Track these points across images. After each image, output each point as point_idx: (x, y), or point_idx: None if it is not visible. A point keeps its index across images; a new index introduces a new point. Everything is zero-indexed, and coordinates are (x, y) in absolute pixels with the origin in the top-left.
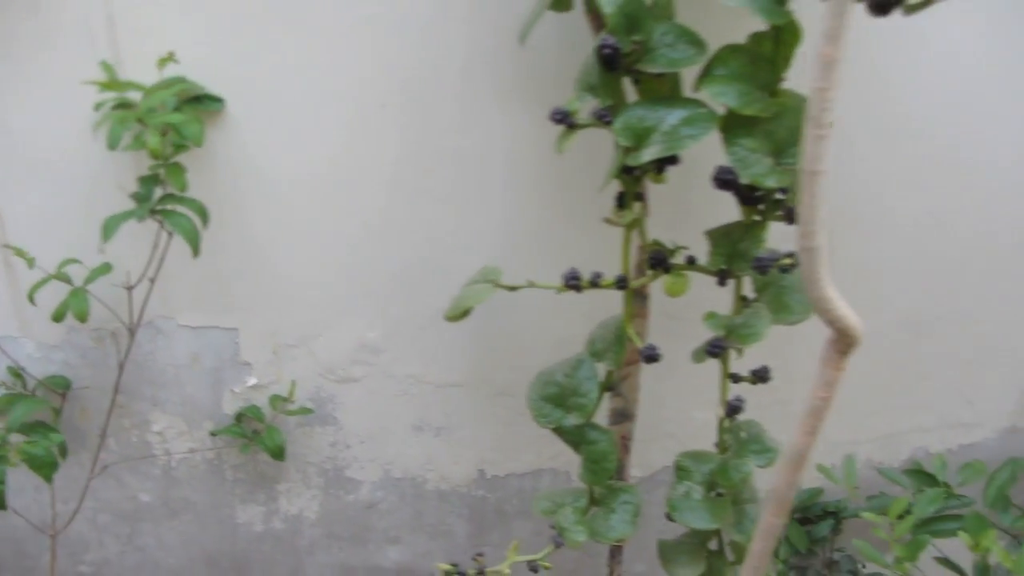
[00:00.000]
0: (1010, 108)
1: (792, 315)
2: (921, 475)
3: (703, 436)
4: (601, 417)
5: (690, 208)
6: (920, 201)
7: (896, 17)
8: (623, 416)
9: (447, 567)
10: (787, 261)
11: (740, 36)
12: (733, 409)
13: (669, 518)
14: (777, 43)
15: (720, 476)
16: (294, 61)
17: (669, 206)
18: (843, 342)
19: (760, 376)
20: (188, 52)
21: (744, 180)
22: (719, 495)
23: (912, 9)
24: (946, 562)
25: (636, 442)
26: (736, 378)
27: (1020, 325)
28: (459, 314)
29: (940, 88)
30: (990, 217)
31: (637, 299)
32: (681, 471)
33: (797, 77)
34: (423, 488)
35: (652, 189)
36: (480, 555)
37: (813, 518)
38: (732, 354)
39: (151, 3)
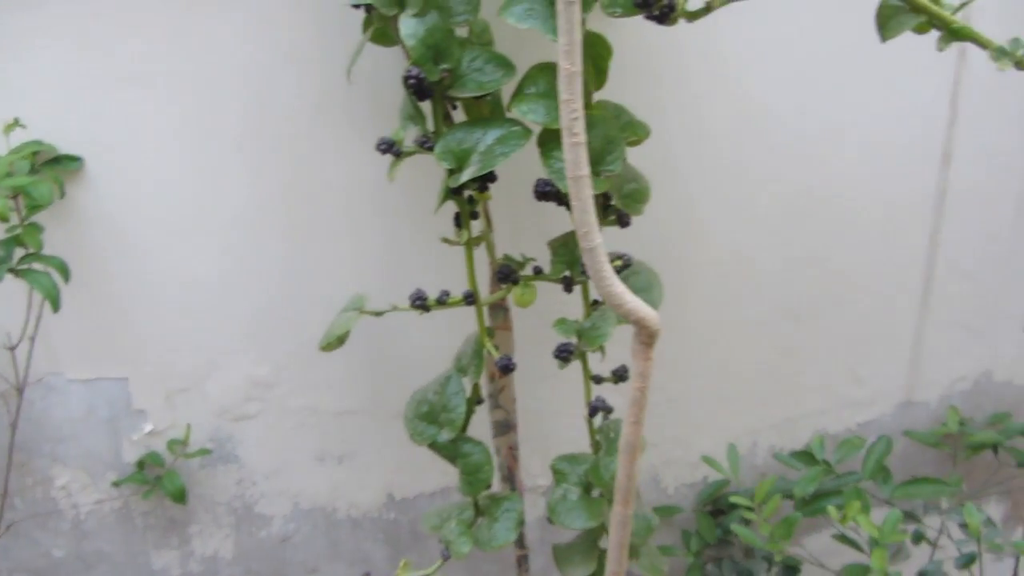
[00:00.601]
0: (857, 96)
1: None
2: (808, 456)
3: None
4: (485, 430)
5: (541, 221)
6: (782, 191)
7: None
8: (506, 427)
9: None
10: (617, 263)
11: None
12: (594, 410)
13: (550, 521)
14: (585, 59)
15: (593, 476)
16: (146, 115)
17: (524, 220)
18: (644, 333)
19: (619, 376)
20: (43, 116)
21: (563, 190)
22: (600, 495)
23: (693, 16)
24: (843, 538)
25: (540, 450)
26: (598, 379)
27: (892, 304)
28: (333, 343)
29: (794, 80)
30: (847, 203)
31: (498, 312)
32: (558, 474)
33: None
34: (334, 517)
35: (506, 205)
36: (367, 574)
37: (725, 509)
38: (599, 356)
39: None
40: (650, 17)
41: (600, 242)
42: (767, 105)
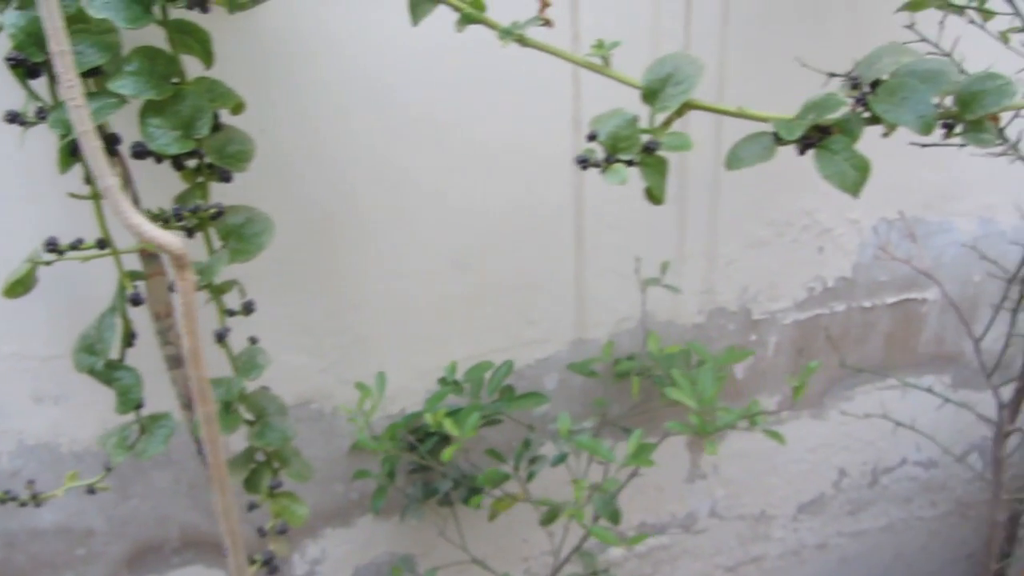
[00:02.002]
0: (491, 65)
1: (246, 255)
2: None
3: (299, 377)
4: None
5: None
6: (439, 151)
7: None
8: (176, 361)
9: None
10: (212, 211)
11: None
12: (219, 336)
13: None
14: (188, 42)
15: (227, 393)
16: None
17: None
18: (174, 259)
19: (247, 308)
20: None
21: (153, 150)
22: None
23: (238, 7)
24: (492, 452)
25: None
26: (231, 312)
27: (550, 253)
28: (14, 287)
29: (434, 47)
30: (498, 164)
31: (150, 260)
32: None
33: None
34: (58, 452)
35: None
36: (31, 481)
37: (423, 437)
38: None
39: None
40: (191, 5)
41: (113, 182)
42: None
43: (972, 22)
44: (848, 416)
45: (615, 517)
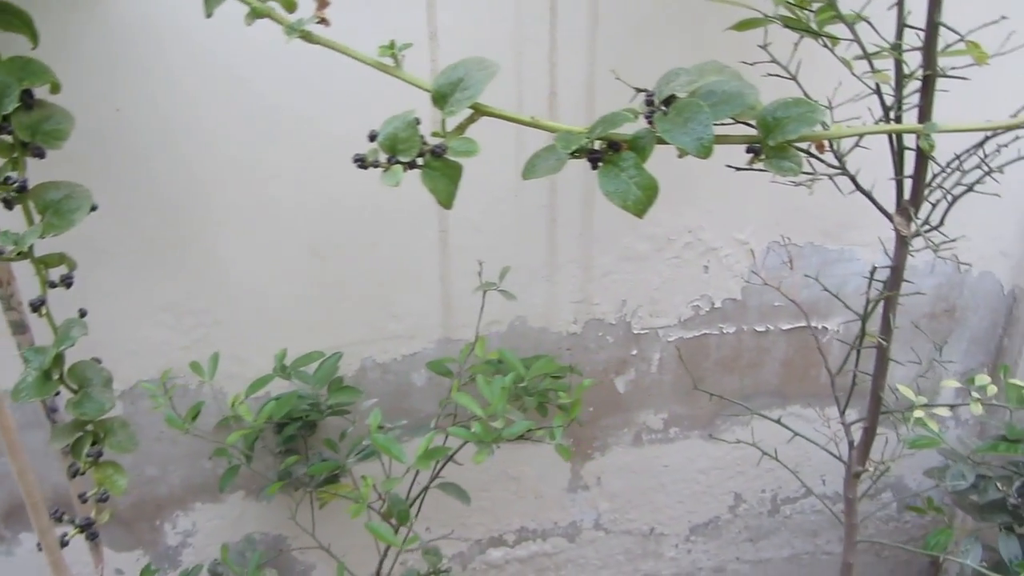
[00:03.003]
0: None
1: (58, 229)
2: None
3: (162, 352)
4: None
5: None
6: (300, 142)
7: None
8: (21, 327)
9: None
10: (14, 185)
11: None
12: (34, 306)
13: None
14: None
15: (42, 362)
16: None
17: None
18: None
19: (65, 281)
20: None
21: None
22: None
23: None
24: (328, 442)
25: (108, 359)
26: (52, 284)
27: (414, 251)
28: None
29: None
30: None
31: None
32: (26, 361)
33: None
34: None
35: None
36: None
37: (287, 422)
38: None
39: None
40: None
41: None
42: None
43: (825, 46)
44: (741, 440)
45: (403, 517)
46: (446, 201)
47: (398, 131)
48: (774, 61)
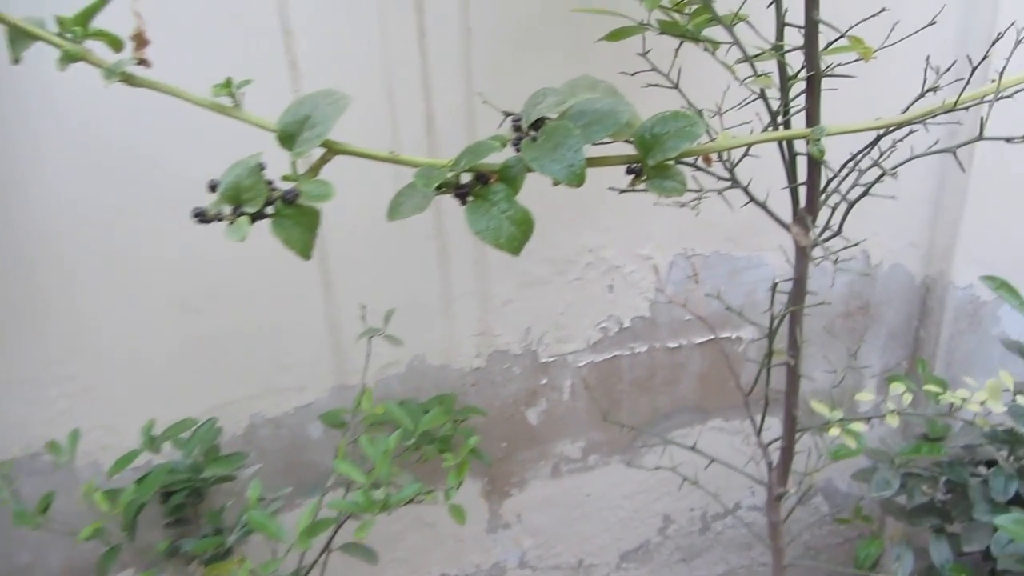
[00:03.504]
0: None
1: None
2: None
3: (25, 427)
4: None
5: None
6: (158, 193)
7: None
8: None
9: None
10: None
11: None
12: None
13: None
14: None
15: None
16: None
17: None
18: None
19: None
20: None
21: None
22: None
23: None
24: (212, 515)
25: None
26: None
27: (297, 295)
28: None
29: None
30: None
31: None
32: None
33: None
34: None
35: None
36: None
37: (172, 491)
38: None
39: None
40: None
41: None
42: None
43: (705, 50)
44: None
45: None
46: (303, 251)
47: (240, 179)
48: (654, 69)
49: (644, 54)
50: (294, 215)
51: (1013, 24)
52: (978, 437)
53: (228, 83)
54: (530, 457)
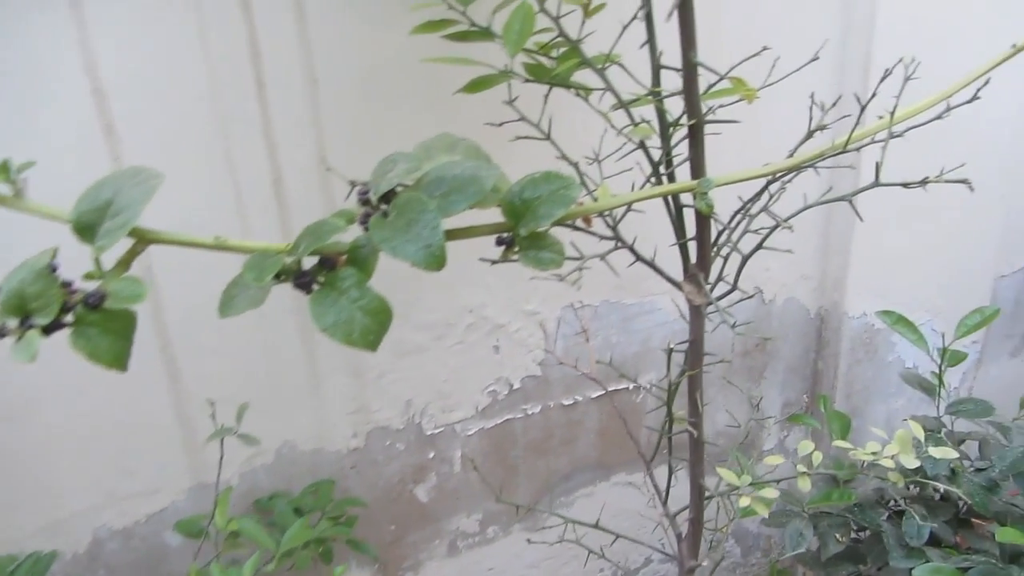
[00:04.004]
0: None
1: None
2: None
3: None
4: None
5: None
6: None
7: None
8: None
9: None
10: None
11: None
12: None
13: None
14: None
15: None
16: None
17: None
18: None
19: None
20: None
21: None
22: None
23: None
24: None
25: None
26: None
27: (130, 394)
28: None
29: None
30: None
31: None
32: None
33: None
34: None
35: None
36: None
37: None
38: None
39: None
40: None
41: None
42: None
43: (578, 95)
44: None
45: None
46: (116, 364)
47: (25, 285)
48: (523, 119)
49: (511, 102)
50: (101, 322)
51: (901, 60)
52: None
53: (5, 167)
54: (423, 537)
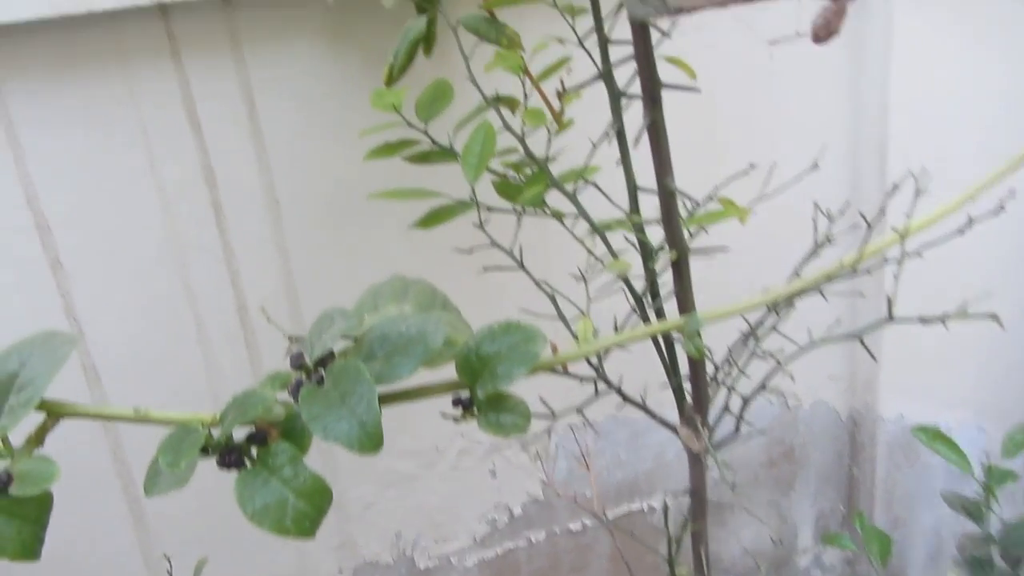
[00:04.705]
0: None
1: None
2: None
3: None
4: None
5: None
6: None
7: None
8: None
9: None
10: None
11: None
12: None
13: None
14: None
15: None
16: None
17: None
18: None
19: None
20: None
21: None
22: None
23: None
24: None
25: None
26: None
27: (95, 538)
28: None
29: None
30: None
31: None
32: None
33: None
34: None
35: None
36: None
37: None
38: None
39: None
40: None
41: None
42: None
43: (553, 216)
44: None
45: None
46: (26, 554)
47: None
48: (495, 245)
49: (481, 225)
50: (7, 508)
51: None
52: None
53: None
54: None
